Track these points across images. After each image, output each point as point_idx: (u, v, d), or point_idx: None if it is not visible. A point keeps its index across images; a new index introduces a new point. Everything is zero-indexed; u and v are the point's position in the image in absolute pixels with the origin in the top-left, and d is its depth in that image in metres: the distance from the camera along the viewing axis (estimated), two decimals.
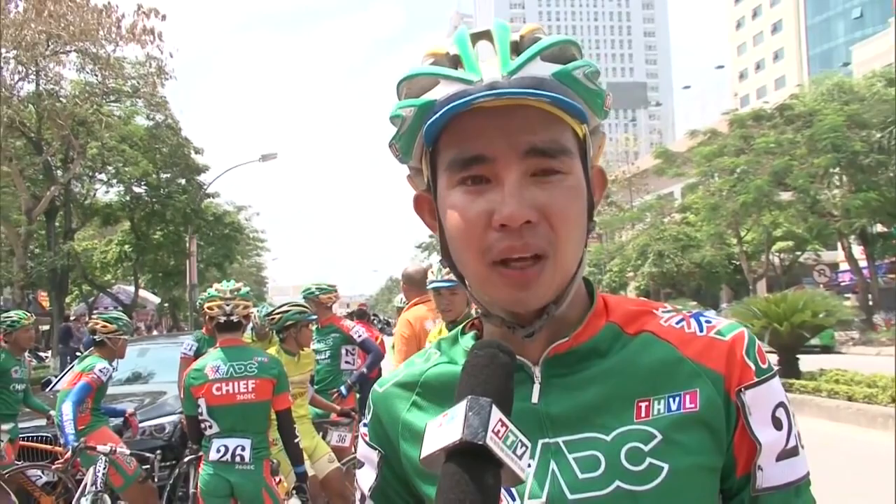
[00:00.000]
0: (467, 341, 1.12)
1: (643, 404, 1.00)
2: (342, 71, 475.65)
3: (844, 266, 35.52)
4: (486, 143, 0.97)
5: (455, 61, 1.00)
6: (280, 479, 4.96)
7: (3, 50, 22.30)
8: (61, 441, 5.72)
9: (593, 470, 0.98)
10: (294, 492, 5.06)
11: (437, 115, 0.96)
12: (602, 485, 0.97)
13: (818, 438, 9.57)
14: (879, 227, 31.73)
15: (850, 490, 6.66)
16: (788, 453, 1.02)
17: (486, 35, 1.02)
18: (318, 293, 6.68)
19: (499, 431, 0.73)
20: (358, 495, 1.19)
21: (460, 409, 0.74)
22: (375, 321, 17.16)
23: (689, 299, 31.72)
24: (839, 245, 32.93)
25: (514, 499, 1.00)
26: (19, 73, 23.77)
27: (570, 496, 0.98)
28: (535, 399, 1.03)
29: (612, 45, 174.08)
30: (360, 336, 6.76)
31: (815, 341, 17.05)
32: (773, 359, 13.54)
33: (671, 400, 1.00)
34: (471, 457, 0.72)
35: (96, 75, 25.46)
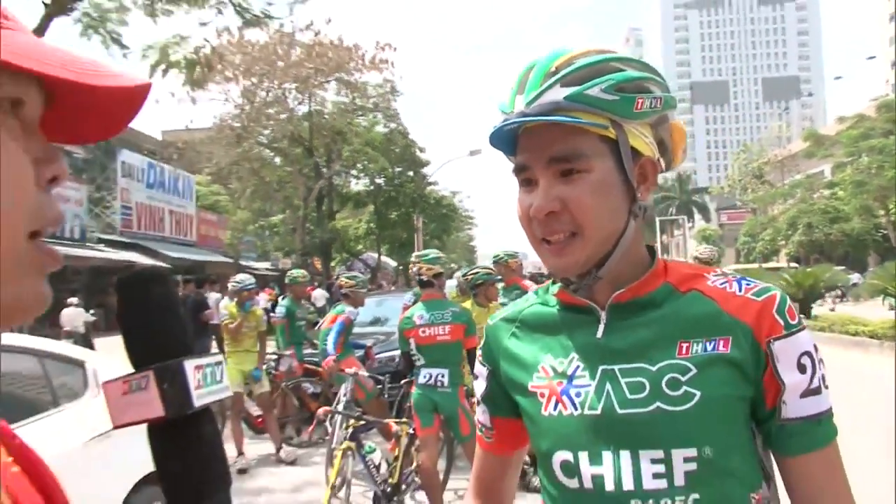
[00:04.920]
0: (554, 288, 1.14)
1: (685, 345, 1.00)
2: None
3: None
4: (526, 156, 1.02)
5: (511, 94, 1.04)
6: (473, 401, 5.09)
7: (287, 84, 23.97)
8: (323, 362, 6.05)
9: (639, 392, 0.99)
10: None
11: (491, 138, 1.04)
12: (645, 404, 0.99)
13: None
14: None
15: None
16: (812, 392, 0.99)
17: (534, 66, 1.02)
18: (506, 258, 6.60)
19: (199, 383, 0.52)
20: (476, 399, 1.24)
21: (150, 382, 0.52)
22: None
23: (836, 265, 28.50)
24: None
25: (576, 409, 1.03)
26: (297, 100, 25.40)
27: (619, 411, 0.99)
28: (599, 335, 1.04)
29: (767, 46, 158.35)
30: None
31: None
32: None
33: (708, 343, 1.00)
34: (183, 420, 0.53)
35: (348, 97, 26.52)
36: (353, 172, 32.47)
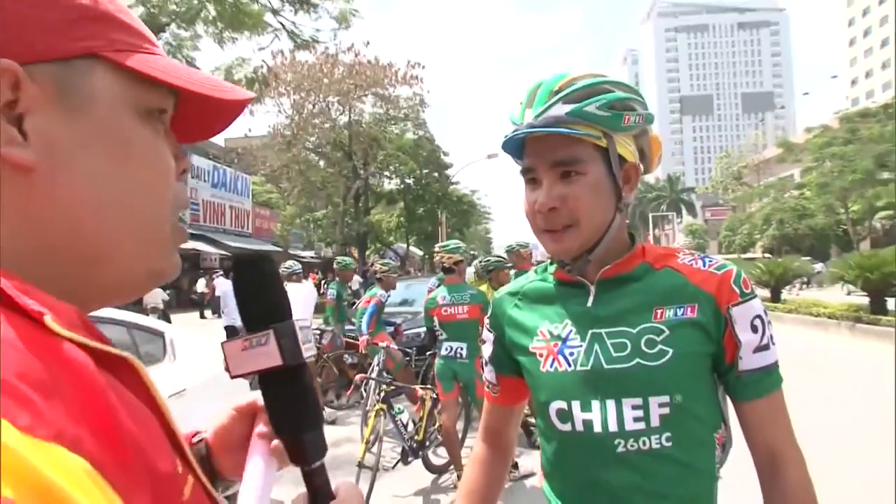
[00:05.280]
0: (552, 268, 1.17)
1: (659, 311, 1.03)
2: None
3: None
4: (532, 160, 1.05)
5: (521, 108, 1.06)
6: None
7: (330, 97, 24.02)
8: (360, 337, 6.09)
9: (622, 351, 1.02)
10: None
11: (504, 145, 1.07)
12: (627, 360, 1.02)
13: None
14: None
15: None
16: (763, 348, 1.02)
17: (541, 85, 1.05)
18: (517, 248, 6.55)
19: (301, 340, 0.55)
20: (483, 360, 1.27)
21: (270, 338, 0.54)
22: None
23: (803, 255, 28.14)
24: None
25: (569, 365, 1.05)
26: (339, 111, 25.43)
27: (606, 366, 1.03)
28: (589, 304, 1.08)
29: (745, 65, 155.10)
30: None
31: None
32: (865, 300, 11.82)
33: (678, 309, 1.03)
34: (289, 370, 0.55)
35: (382, 108, 26.39)
36: (386, 174, 32.40)
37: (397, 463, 4.56)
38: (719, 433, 1.06)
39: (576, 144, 1.01)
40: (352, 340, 7.16)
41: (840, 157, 27.44)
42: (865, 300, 12.19)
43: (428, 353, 5.48)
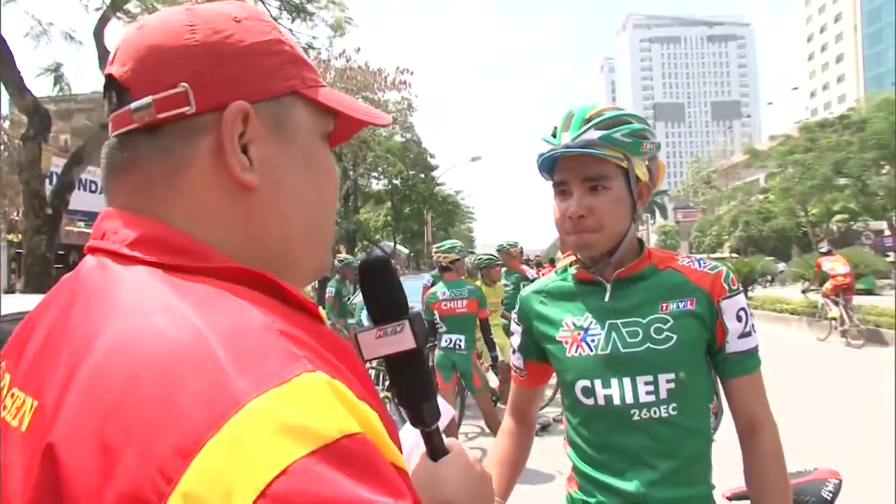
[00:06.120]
0: (572, 270, 1.29)
1: (664, 304, 1.17)
2: (530, 100, 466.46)
3: (888, 233, 30.88)
4: (565, 175, 1.19)
5: (555, 131, 1.20)
6: (482, 361, 5.09)
7: None
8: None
9: (635, 337, 1.17)
10: (490, 367, 5.18)
11: (540, 160, 1.21)
12: (639, 345, 1.16)
13: (844, 348, 9.00)
14: None
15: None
16: (745, 335, 1.18)
17: (573, 113, 1.19)
18: (508, 247, 6.66)
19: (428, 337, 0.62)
20: (512, 349, 1.40)
21: (406, 326, 0.62)
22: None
23: (767, 256, 28.83)
24: (884, 217, 28.85)
25: (591, 350, 1.19)
26: None
27: (622, 350, 1.17)
28: (606, 299, 1.21)
29: (714, 75, 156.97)
30: (532, 276, 6.71)
31: (860, 286, 15.24)
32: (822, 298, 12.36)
33: (680, 303, 1.17)
34: (415, 352, 0.63)
35: None
36: (375, 174, 32.16)
37: None
38: (713, 404, 1.23)
39: (603, 164, 1.15)
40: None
41: (801, 164, 28.22)
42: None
43: (428, 344, 5.58)
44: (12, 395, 0.46)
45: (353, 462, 0.36)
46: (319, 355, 0.41)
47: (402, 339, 0.62)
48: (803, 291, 11.67)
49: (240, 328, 0.40)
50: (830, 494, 1.42)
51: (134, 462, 0.35)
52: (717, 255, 37.71)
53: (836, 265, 10.02)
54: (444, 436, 0.68)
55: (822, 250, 10.91)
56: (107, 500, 0.35)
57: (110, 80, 0.52)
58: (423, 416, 0.65)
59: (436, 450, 0.66)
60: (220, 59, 0.51)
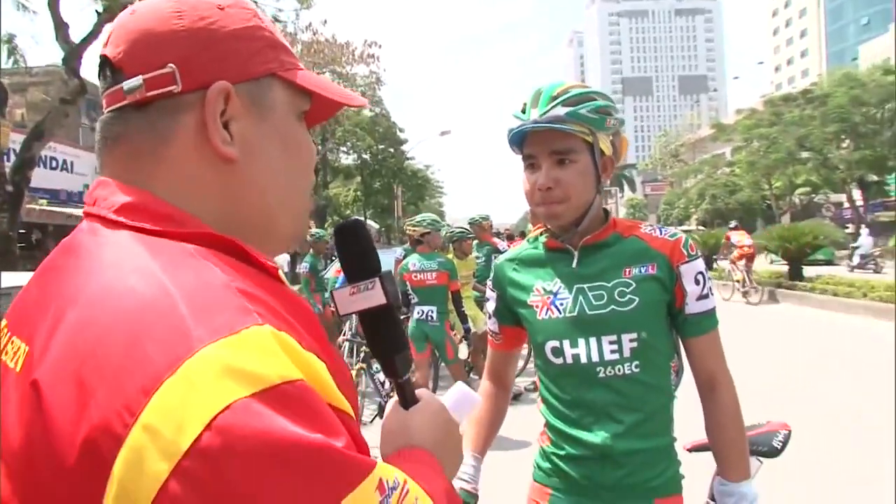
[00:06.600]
0: (542, 238, 1.36)
1: (628, 269, 1.25)
2: (499, 74, 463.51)
3: (847, 205, 32.02)
4: (534, 149, 1.24)
5: (524, 108, 1.24)
6: (455, 332, 5.14)
7: None
8: (331, 307, 6.18)
9: (601, 300, 1.23)
10: (462, 339, 5.26)
11: (511, 135, 1.25)
12: (604, 307, 1.23)
13: (810, 321, 9.36)
14: (873, 177, 28.57)
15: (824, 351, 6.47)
16: (703, 297, 1.25)
17: (542, 91, 1.23)
18: (479, 220, 6.74)
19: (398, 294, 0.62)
20: (488, 314, 1.45)
21: (377, 283, 0.65)
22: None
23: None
24: (844, 190, 29.85)
25: (560, 313, 1.26)
26: None
27: (588, 312, 1.24)
28: (574, 266, 1.28)
29: (682, 50, 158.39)
30: (503, 249, 6.74)
31: (820, 256, 16.29)
32: (784, 268, 12.92)
33: (642, 268, 1.24)
34: (386, 307, 0.66)
35: (340, 85, 26.01)
36: (344, 149, 31.85)
37: (374, 417, 4.75)
38: (674, 362, 1.31)
39: (570, 138, 1.21)
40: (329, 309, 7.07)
41: (765, 138, 28.77)
42: (785, 268, 13.07)
43: (401, 316, 5.63)
44: (12, 342, 0.52)
45: (290, 404, 0.41)
46: (273, 311, 0.46)
47: (373, 296, 0.66)
48: (713, 259, 13.50)
49: (202, 285, 0.45)
50: (780, 444, 1.52)
51: (104, 398, 0.40)
52: (685, 227, 38.56)
53: (742, 238, 12.18)
54: (414, 386, 0.71)
55: (731, 226, 13.59)
56: (81, 429, 0.40)
57: (105, 61, 0.57)
58: (395, 367, 0.68)
59: (407, 399, 0.69)
60: (205, 43, 0.55)
